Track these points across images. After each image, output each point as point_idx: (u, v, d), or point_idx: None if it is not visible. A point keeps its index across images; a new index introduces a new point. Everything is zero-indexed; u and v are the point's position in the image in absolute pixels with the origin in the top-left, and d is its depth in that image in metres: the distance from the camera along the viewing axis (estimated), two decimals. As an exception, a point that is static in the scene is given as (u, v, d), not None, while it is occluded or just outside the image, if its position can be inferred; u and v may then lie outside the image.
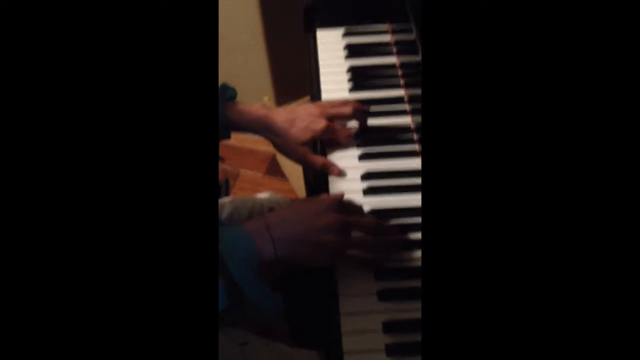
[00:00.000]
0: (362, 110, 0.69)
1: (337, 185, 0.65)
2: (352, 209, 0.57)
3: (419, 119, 0.69)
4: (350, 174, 0.66)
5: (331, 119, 0.66)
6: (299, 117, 0.65)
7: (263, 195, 0.82)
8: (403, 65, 0.76)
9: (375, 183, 0.64)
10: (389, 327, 0.51)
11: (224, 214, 0.74)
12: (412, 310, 0.52)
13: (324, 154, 0.68)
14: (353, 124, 0.70)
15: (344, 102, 0.68)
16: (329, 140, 0.68)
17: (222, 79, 0.59)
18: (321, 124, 0.65)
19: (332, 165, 0.66)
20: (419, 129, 0.69)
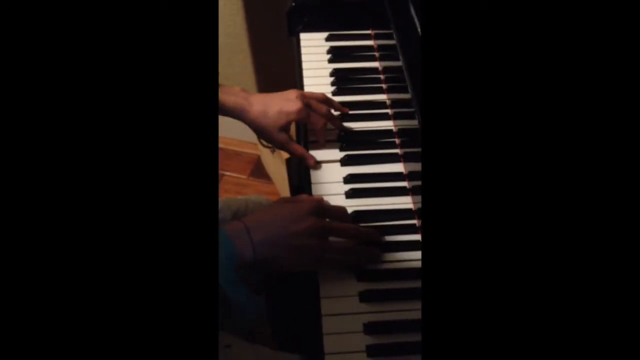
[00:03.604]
0: (334, 113, 0.70)
1: (319, 188, 0.65)
2: (331, 212, 0.58)
3: (400, 122, 0.70)
4: (333, 176, 0.66)
5: (307, 105, 0.67)
6: (275, 100, 0.67)
7: (247, 197, 0.83)
8: (385, 70, 0.77)
9: (357, 186, 0.65)
10: (370, 328, 0.52)
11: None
12: (393, 312, 0.53)
13: (307, 149, 0.69)
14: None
15: (323, 98, 0.69)
16: (305, 127, 0.69)
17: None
18: (296, 105, 0.66)
19: (310, 157, 0.67)
20: (400, 132, 0.70)
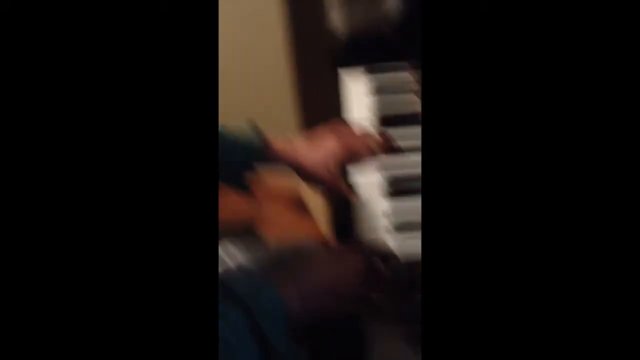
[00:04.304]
0: (379, 143, 0.69)
1: (362, 224, 0.64)
2: (379, 251, 0.56)
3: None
4: (377, 211, 0.64)
5: (350, 144, 0.66)
6: (320, 149, 0.66)
7: (291, 238, 0.81)
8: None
9: (402, 219, 0.62)
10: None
11: (249, 256, 0.73)
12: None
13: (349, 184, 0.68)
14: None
15: (364, 135, 0.68)
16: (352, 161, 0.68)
17: (249, 115, 0.60)
18: (340, 147, 0.65)
19: (354, 193, 0.66)
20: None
